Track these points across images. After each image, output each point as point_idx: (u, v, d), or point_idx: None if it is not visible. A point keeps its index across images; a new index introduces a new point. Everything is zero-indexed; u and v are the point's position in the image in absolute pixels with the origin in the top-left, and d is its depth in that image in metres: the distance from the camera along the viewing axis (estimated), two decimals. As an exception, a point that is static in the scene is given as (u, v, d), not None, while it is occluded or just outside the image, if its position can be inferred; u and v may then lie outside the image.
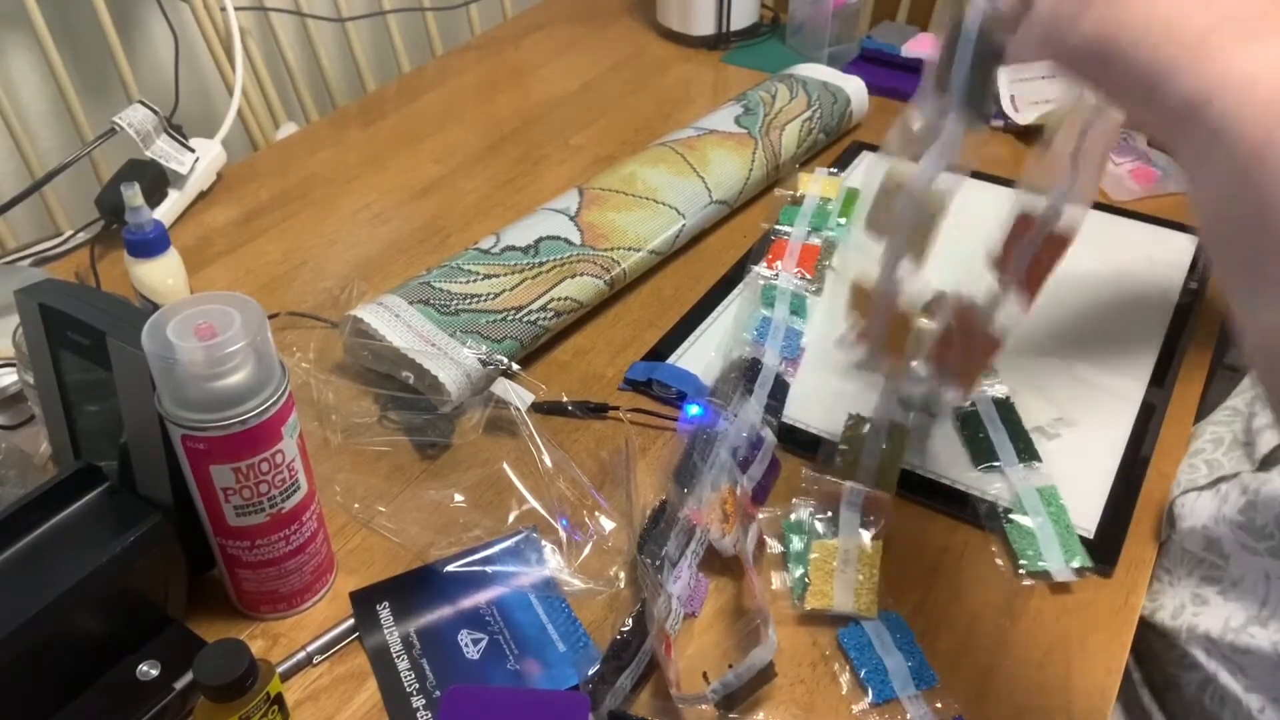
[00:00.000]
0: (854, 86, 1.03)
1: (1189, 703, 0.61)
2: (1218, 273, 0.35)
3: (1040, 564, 0.59)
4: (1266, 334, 0.32)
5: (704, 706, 0.51)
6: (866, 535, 0.59)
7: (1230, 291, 0.34)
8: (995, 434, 0.67)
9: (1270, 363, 0.33)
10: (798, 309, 0.79)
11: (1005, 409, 0.69)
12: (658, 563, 0.56)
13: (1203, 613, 0.60)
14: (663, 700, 0.52)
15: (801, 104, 0.99)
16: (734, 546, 0.57)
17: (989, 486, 0.64)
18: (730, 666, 0.51)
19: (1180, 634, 0.61)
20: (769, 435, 0.65)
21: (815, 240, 0.86)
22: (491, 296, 0.73)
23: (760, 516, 0.61)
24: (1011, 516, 0.62)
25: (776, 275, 0.82)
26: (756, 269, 0.83)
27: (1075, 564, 0.59)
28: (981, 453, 0.66)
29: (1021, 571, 0.59)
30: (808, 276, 0.82)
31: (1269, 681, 0.57)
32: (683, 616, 0.55)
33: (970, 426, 0.68)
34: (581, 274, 0.77)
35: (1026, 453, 0.66)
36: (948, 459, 0.66)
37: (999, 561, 0.60)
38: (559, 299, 0.75)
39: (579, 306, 0.77)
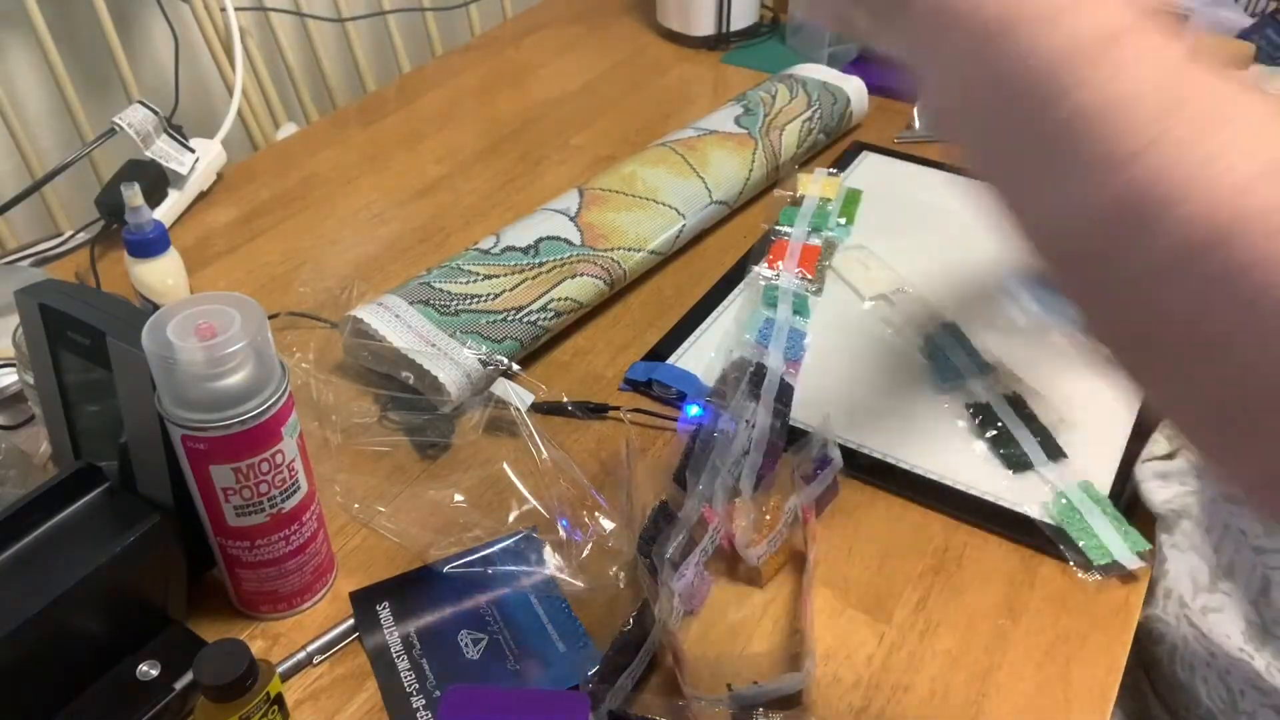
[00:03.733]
0: (854, 87, 1.03)
1: (1168, 678, 0.62)
2: (984, 171, 0.34)
3: (1111, 557, 0.58)
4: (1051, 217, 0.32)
5: (719, 709, 0.51)
6: None
7: (1003, 183, 0.33)
8: (1017, 431, 0.67)
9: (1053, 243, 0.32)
10: (800, 309, 0.79)
11: (1018, 404, 0.69)
12: (658, 563, 0.56)
13: (1168, 575, 0.61)
14: (665, 699, 0.52)
15: (801, 104, 0.99)
16: (758, 560, 0.58)
17: (1033, 489, 0.64)
18: (756, 683, 0.51)
19: (1154, 604, 0.61)
20: (836, 457, 0.63)
21: (815, 241, 0.86)
22: (491, 297, 0.73)
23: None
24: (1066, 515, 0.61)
25: (778, 275, 0.82)
26: (757, 269, 0.83)
27: (1137, 549, 0.59)
28: (1012, 456, 0.66)
29: (1091, 566, 0.59)
30: (809, 277, 0.82)
31: (1230, 646, 0.57)
32: (682, 614, 0.55)
33: (989, 424, 0.68)
34: (581, 274, 0.77)
35: (1052, 449, 0.66)
36: (971, 466, 0.66)
37: (1006, 561, 0.60)
38: (559, 299, 0.75)
39: (579, 307, 0.77)
